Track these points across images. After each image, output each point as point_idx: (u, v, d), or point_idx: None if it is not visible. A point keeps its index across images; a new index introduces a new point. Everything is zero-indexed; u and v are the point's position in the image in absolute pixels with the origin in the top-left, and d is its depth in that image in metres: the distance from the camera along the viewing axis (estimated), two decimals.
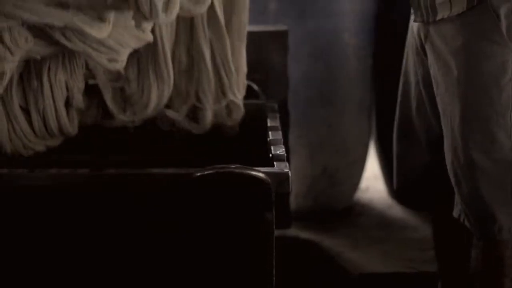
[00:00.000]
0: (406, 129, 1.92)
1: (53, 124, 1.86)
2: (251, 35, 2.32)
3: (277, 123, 1.96)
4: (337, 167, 2.92)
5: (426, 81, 1.82)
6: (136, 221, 1.54)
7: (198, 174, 1.51)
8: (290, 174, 1.59)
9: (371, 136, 3.13)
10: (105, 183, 1.55)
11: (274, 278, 1.63)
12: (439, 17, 1.70)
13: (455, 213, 1.78)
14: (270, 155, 1.73)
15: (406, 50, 1.93)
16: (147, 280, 1.55)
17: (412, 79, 1.89)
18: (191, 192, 1.52)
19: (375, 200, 3.27)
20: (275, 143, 1.79)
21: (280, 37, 2.33)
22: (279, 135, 1.85)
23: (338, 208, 3.03)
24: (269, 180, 1.53)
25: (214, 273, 1.58)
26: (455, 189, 1.75)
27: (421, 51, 1.80)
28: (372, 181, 3.44)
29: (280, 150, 1.73)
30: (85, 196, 1.54)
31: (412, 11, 1.80)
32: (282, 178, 1.58)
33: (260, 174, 1.52)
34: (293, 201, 2.68)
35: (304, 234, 2.74)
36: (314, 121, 2.82)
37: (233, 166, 1.56)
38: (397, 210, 3.15)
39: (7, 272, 1.56)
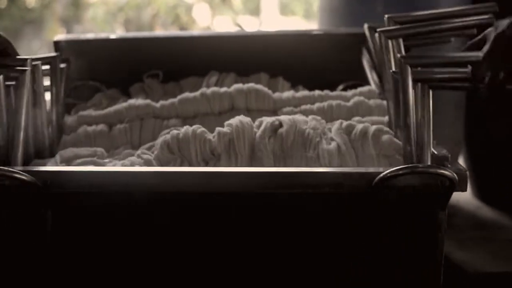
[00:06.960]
0: None
1: None
2: (346, 37, 2.39)
3: None
4: None
5: None
6: (328, 221, 1.55)
7: (390, 173, 1.51)
8: (468, 174, 1.60)
9: None
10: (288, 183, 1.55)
11: (442, 277, 1.65)
12: None
13: None
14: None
15: None
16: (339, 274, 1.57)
17: None
18: (383, 190, 1.52)
19: (461, 201, 3.28)
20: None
21: None
22: None
23: None
24: (457, 179, 1.54)
25: (387, 267, 1.59)
26: None
27: None
28: None
29: (444, 151, 1.74)
30: (271, 196, 1.55)
31: None
32: (461, 178, 1.59)
33: (452, 173, 1.53)
34: None
35: None
36: None
37: (421, 165, 1.57)
38: (486, 211, 3.17)
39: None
